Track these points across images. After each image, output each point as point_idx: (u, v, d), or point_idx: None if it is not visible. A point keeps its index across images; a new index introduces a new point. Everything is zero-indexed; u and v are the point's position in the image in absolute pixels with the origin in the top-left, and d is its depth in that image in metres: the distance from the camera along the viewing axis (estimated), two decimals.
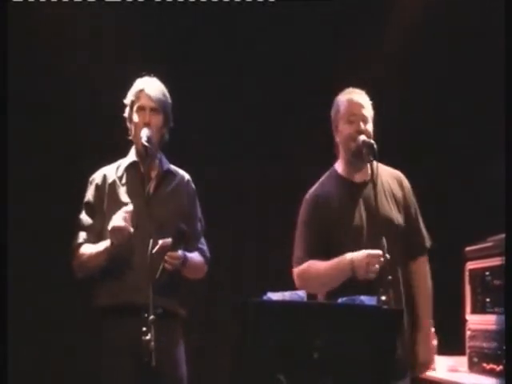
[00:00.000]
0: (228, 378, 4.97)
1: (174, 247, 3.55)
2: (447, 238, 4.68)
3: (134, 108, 3.74)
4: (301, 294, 3.13)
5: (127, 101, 3.79)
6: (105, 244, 3.61)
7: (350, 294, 3.20)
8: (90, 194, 3.77)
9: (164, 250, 3.53)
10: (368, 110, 3.77)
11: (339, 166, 3.84)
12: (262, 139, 5.53)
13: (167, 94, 3.80)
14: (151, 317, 3.25)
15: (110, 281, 3.63)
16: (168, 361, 3.59)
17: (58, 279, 4.85)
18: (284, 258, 3.88)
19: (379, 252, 3.50)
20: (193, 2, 5.13)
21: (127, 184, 3.75)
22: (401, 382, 3.61)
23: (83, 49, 5.12)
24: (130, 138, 3.80)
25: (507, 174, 3.38)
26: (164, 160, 3.83)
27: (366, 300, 3.15)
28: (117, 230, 3.53)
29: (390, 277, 3.43)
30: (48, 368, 5.10)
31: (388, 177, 3.84)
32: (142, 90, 3.73)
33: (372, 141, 3.66)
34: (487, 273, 3.93)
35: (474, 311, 4.04)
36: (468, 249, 4.13)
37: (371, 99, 3.80)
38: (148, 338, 3.24)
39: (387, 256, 3.48)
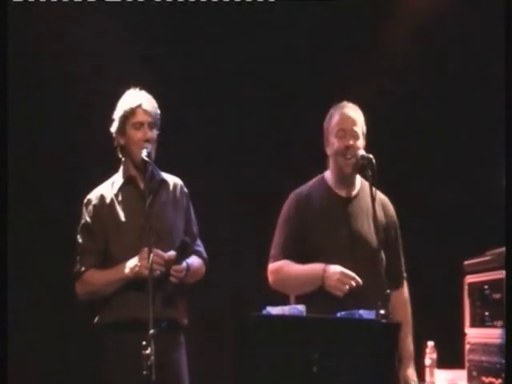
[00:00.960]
0: None
1: (177, 260, 3.58)
2: (446, 251, 4.69)
3: (129, 123, 3.71)
4: (300, 309, 3.15)
5: (118, 115, 3.74)
6: (118, 274, 3.59)
7: (318, 301, 3.27)
8: (87, 216, 3.73)
9: (168, 263, 3.55)
10: (359, 126, 3.81)
11: (328, 175, 3.89)
12: (261, 142, 5.55)
13: (157, 107, 3.79)
14: (151, 331, 3.26)
15: (113, 297, 3.63)
16: (171, 375, 3.59)
17: (58, 286, 4.83)
18: None
19: (353, 274, 3.57)
20: (192, 2, 5.13)
21: (125, 200, 3.73)
22: None
23: (83, 49, 5.10)
24: (120, 154, 3.78)
25: (507, 188, 3.39)
26: (156, 170, 3.81)
27: (365, 314, 3.17)
28: (142, 274, 3.50)
29: (388, 291, 3.45)
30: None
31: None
32: (139, 106, 3.70)
33: (370, 155, 3.68)
34: (486, 286, 3.93)
35: (473, 325, 4.03)
36: (467, 262, 4.12)
37: (366, 111, 3.84)
38: (148, 352, 3.25)
39: (359, 281, 3.55)
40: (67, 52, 5.07)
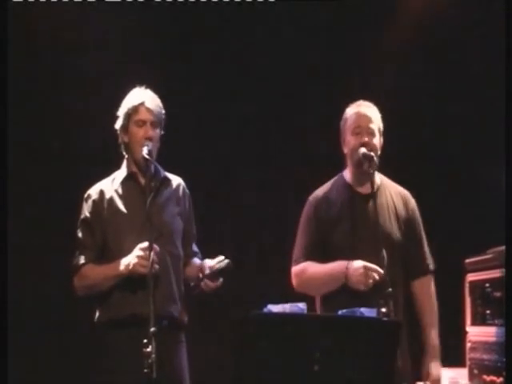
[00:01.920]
0: None
1: (215, 276, 3.63)
2: (447, 250, 4.69)
3: (132, 121, 3.72)
4: (301, 307, 3.14)
5: (122, 112, 3.76)
6: (114, 270, 3.59)
7: (344, 300, 3.25)
8: (87, 211, 3.73)
9: (206, 277, 3.61)
10: (375, 124, 3.83)
11: (347, 174, 3.90)
12: (262, 143, 5.55)
13: (162, 106, 3.80)
14: (152, 329, 3.25)
15: (114, 294, 3.62)
16: (171, 373, 3.59)
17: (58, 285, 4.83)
18: (285, 265, 3.89)
19: (376, 267, 3.54)
20: (192, 2, 5.14)
21: (125, 196, 3.73)
22: None
23: (83, 49, 5.11)
24: (124, 151, 3.78)
25: (507, 187, 3.39)
26: (159, 168, 3.82)
27: (366, 312, 3.16)
28: (137, 271, 3.52)
29: (390, 289, 3.45)
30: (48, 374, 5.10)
31: (394, 194, 3.89)
32: (141, 104, 3.71)
33: (372, 153, 3.69)
34: (487, 285, 3.93)
35: (474, 323, 4.03)
36: (468, 261, 4.12)
37: (381, 111, 3.86)
38: (149, 350, 3.24)
39: (382, 272, 3.51)
40: (67, 52, 5.08)
